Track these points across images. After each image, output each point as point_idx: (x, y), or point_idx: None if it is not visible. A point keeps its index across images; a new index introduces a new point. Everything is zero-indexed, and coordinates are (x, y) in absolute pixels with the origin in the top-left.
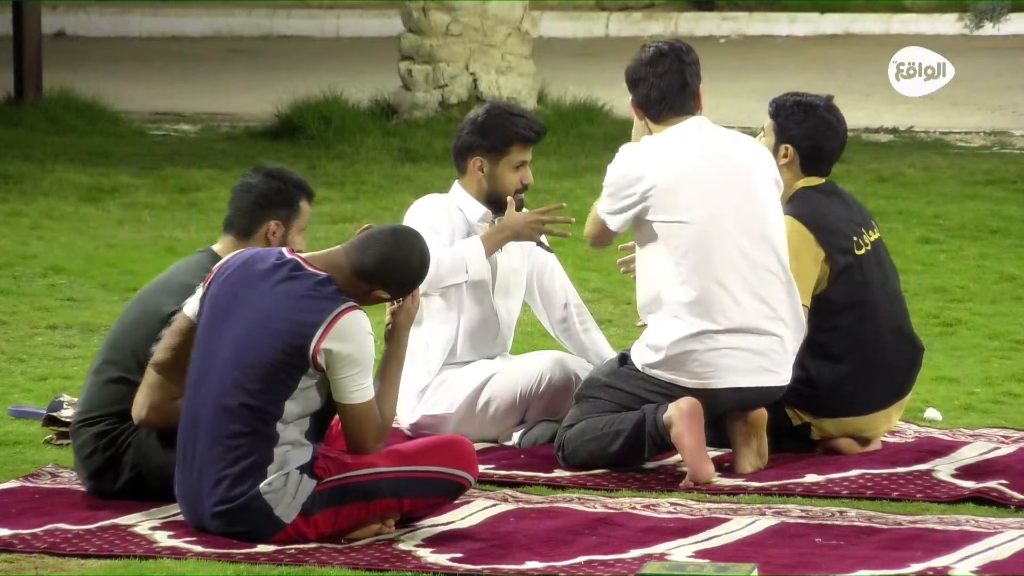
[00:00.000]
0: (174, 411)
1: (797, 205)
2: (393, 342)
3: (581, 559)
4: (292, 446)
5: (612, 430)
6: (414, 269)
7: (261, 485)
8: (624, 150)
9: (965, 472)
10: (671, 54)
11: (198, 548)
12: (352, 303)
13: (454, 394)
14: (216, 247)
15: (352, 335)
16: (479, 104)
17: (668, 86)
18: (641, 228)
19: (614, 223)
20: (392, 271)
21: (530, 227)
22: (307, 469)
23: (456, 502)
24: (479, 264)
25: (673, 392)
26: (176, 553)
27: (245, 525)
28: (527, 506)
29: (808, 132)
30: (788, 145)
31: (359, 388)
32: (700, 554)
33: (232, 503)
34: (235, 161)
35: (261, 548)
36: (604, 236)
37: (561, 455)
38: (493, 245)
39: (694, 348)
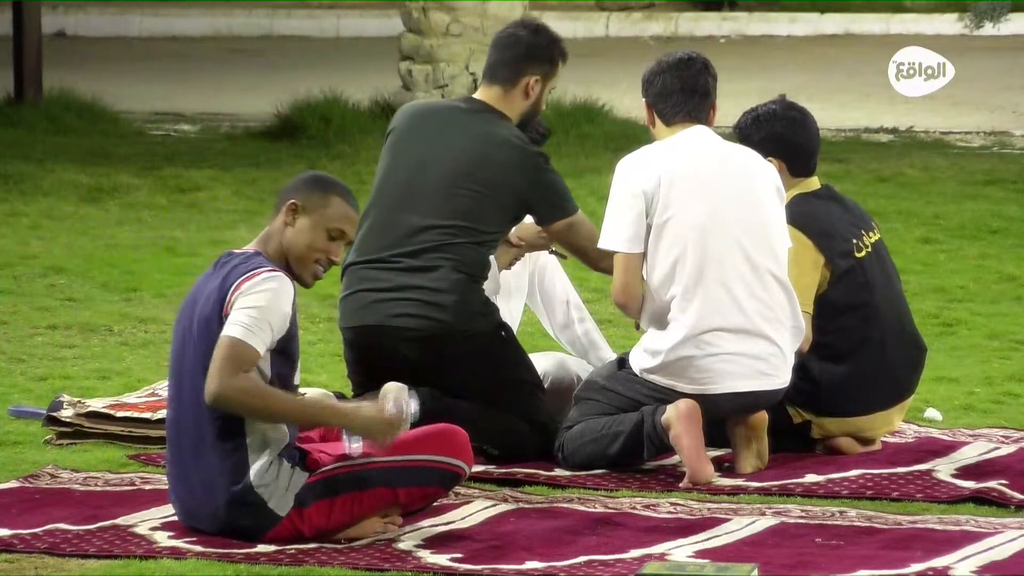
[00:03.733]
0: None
1: (793, 212)
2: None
3: (581, 559)
4: (266, 425)
5: (611, 432)
6: (320, 174)
7: (253, 476)
8: (621, 165)
9: (965, 472)
10: (699, 61)
11: (198, 548)
12: (273, 267)
13: None
14: (477, 94)
15: (263, 283)
16: None
17: (691, 88)
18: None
19: (634, 245)
20: (298, 180)
21: (544, 238)
22: (299, 462)
23: (455, 501)
24: (492, 279)
25: (671, 397)
26: (176, 553)
27: (243, 520)
28: (527, 506)
29: (778, 137)
30: (769, 159)
31: (238, 324)
32: (700, 554)
33: (226, 497)
34: (235, 161)
35: (261, 548)
36: (631, 277)
37: (561, 456)
38: (508, 258)
39: (692, 354)
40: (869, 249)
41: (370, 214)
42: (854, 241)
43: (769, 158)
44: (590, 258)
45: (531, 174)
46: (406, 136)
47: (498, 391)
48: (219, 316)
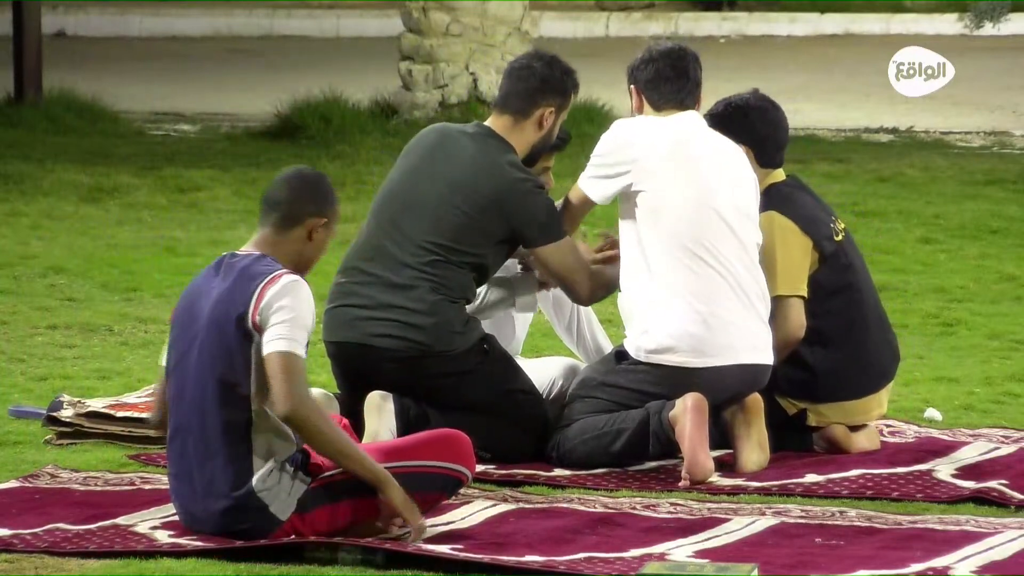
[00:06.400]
0: None
1: (773, 200)
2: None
3: (581, 555)
4: (271, 433)
5: (614, 429)
6: (318, 176)
7: (255, 482)
8: (617, 122)
9: (965, 472)
10: (691, 55)
11: (198, 546)
12: (287, 270)
13: None
14: (487, 122)
15: (287, 291)
16: None
17: (684, 77)
18: (630, 205)
19: (597, 192)
20: (304, 192)
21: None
22: (301, 466)
23: (455, 501)
24: (528, 299)
25: (676, 378)
26: (176, 553)
27: (244, 524)
28: (527, 506)
29: (749, 126)
30: (738, 145)
31: (282, 338)
32: (700, 554)
33: (228, 502)
34: (235, 161)
35: (263, 544)
36: (580, 209)
37: (556, 454)
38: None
39: (696, 327)
40: (843, 235)
41: (364, 227)
42: (831, 226)
43: (738, 145)
44: (580, 286)
45: (517, 199)
46: (411, 155)
47: (487, 404)
48: (237, 322)
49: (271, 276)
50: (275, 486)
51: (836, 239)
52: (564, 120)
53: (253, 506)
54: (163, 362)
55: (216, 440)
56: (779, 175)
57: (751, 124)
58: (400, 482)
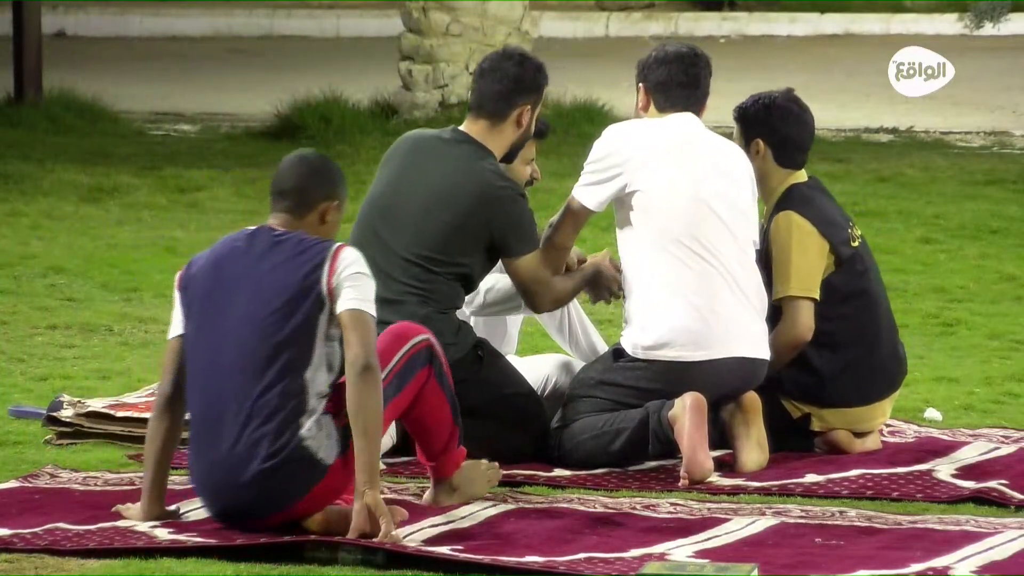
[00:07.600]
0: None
1: (793, 201)
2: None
3: (581, 556)
4: (316, 395)
5: (613, 428)
6: (322, 160)
7: (303, 432)
8: (609, 128)
9: (965, 472)
10: (703, 60)
11: (198, 542)
12: (341, 243)
13: None
14: (463, 126)
15: (355, 258)
16: None
17: (694, 84)
18: (625, 211)
19: (591, 198)
20: (312, 178)
21: (611, 281)
22: (327, 412)
23: (455, 501)
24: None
25: (674, 374)
26: (176, 551)
27: (289, 478)
28: (527, 506)
29: (772, 124)
30: (757, 140)
31: (360, 299)
32: (700, 554)
33: (276, 459)
34: (235, 161)
35: (263, 540)
36: (578, 219)
37: (556, 454)
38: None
39: (694, 322)
40: (860, 240)
41: (350, 239)
42: (848, 231)
43: (756, 140)
44: (542, 296)
45: (500, 206)
46: (392, 164)
47: (485, 409)
48: (312, 293)
49: (336, 247)
50: (318, 432)
51: (853, 244)
52: (540, 112)
53: (300, 457)
54: (176, 332)
55: (268, 405)
56: (801, 176)
57: (772, 122)
58: (395, 386)
